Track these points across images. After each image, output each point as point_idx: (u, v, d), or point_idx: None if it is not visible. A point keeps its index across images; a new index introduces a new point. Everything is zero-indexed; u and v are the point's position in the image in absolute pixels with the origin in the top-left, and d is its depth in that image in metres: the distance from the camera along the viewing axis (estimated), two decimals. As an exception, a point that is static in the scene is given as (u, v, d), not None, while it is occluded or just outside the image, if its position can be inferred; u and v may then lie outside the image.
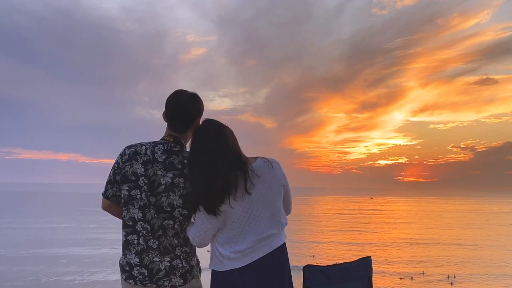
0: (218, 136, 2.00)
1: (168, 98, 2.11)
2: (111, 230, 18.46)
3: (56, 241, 15.64)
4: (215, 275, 2.04)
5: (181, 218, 2.04)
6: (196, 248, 2.16)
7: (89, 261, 11.77)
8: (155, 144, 2.07)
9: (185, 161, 2.05)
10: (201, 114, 2.15)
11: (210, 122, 2.04)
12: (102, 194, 2.09)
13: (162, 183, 2.00)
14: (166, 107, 2.10)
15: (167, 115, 2.11)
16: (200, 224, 1.99)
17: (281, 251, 2.07)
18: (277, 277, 2.03)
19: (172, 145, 2.07)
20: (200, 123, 2.10)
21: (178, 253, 2.05)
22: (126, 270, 2.00)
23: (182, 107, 2.07)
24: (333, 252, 13.34)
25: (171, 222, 2.02)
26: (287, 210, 2.22)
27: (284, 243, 2.09)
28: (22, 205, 39.29)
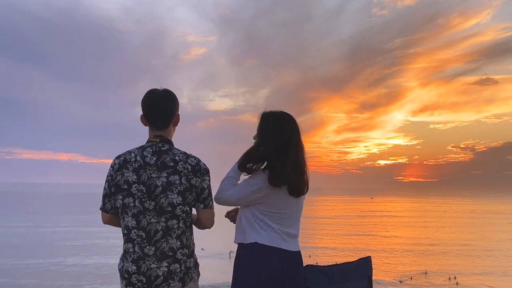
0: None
1: (143, 99, 2.11)
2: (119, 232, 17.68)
3: (61, 247, 14.63)
4: (261, 247, 2.17)
5: (184, 215, 2.04)
6: (195, 250, 2.17)
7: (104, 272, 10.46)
8: (143, 148, 2.07)
9: (176, 157, 2.05)
10: (178, 109, 2.17)
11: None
12: (101, 209, 2.08)
13: (159, 184, 2.00)
14: (144, 107, 2.11)
15: (146, 115, 2.11)
16: (244, 188, 2.22)
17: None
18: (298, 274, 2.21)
19: (160, 145, 2.07)
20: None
21: (179, 256, 2.03)
22: (126, 277, 2.02)
23: (161, 103, 2.08)
24: (332, 258, 13.25)
25: (175, 221, 2.02)
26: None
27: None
28: (22, 206, 39.17)
